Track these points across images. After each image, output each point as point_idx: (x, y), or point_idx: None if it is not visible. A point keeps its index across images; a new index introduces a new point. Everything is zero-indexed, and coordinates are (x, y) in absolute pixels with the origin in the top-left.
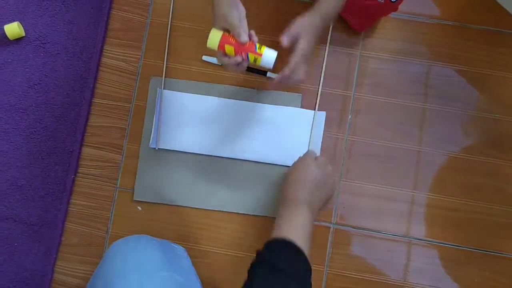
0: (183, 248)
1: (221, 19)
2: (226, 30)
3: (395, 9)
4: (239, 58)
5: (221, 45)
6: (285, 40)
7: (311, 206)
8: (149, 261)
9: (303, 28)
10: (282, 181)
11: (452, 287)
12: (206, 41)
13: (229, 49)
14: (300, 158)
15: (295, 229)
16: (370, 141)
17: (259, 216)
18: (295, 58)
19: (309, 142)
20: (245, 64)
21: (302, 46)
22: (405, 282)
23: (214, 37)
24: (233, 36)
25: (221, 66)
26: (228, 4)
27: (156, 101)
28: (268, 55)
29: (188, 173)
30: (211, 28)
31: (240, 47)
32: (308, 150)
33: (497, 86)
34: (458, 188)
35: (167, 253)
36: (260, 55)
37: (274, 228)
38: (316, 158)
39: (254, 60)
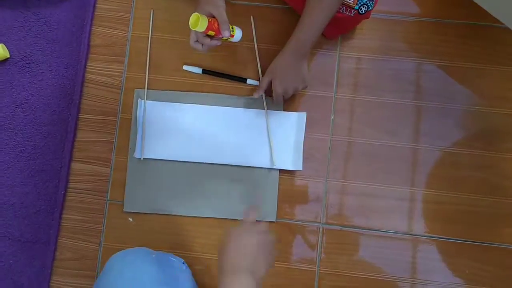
0: (182, 260)
1: (210, 7)
2: (210, 15)
3: (367, 17)
4: (218, 42)
5: (205, 31)
6: (256, 95)
7: (253, 275)
8: (146, 275)
9: (274, 71)
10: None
11: (443, 279)
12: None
13: (211, 33)
14: (240, 224)
15: None
16: (354, 140)
17: None
18: (274, 96)
19: (269, 141)
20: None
21: (275, 87)
22: (397, 277)
23: (203, 23)
24: (215, 23)
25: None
26: None
27: (138, 112)
28: (237, 35)
29: (175, 181)
30: (192, 13)
31: (219, 31)
32: (247, 214)
33: (476, 78)
34: (444, 181)
35: (164, 267)
36: (233, 36)
37: None
38: (255, 223)
39: (225, 40)
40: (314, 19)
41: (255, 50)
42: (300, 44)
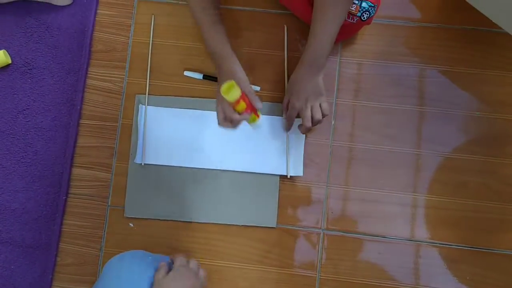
0: None
1: (236, 81)
2: None
3: (368, 23)
4: (247, 116)
5: (237, 100)
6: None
7: None
8: (143, 278)
9: (291, 88)
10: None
11: (445, 285)
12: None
13: (242, 105)
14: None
15: None
16: (355, 145)
17: (249, 226)
18: (288, 112)
19: (287, 148)
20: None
21: (293, 103)
22: (398, 283)
23: (237, 92)
24: (246, 96)
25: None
26: (242, 70)
27: (139, 117)
28: (261, 118)
29: (176, 187)
30: (226, 82)
31: (250, 105)
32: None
33: (478, 83)
34: (446, 187)
35: None
36: (259, 116)
37: None
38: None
39: (252, 120)
40: (326, 30)
41: (284, 60)
42: (316, 57)
